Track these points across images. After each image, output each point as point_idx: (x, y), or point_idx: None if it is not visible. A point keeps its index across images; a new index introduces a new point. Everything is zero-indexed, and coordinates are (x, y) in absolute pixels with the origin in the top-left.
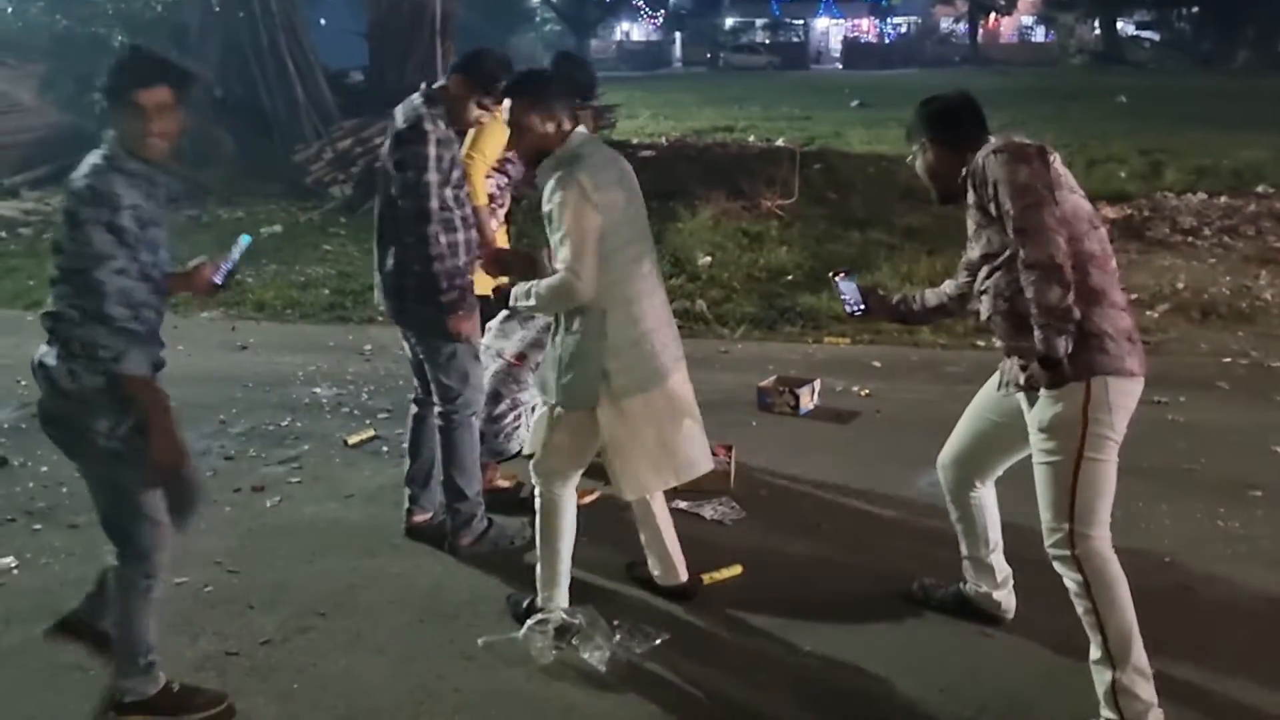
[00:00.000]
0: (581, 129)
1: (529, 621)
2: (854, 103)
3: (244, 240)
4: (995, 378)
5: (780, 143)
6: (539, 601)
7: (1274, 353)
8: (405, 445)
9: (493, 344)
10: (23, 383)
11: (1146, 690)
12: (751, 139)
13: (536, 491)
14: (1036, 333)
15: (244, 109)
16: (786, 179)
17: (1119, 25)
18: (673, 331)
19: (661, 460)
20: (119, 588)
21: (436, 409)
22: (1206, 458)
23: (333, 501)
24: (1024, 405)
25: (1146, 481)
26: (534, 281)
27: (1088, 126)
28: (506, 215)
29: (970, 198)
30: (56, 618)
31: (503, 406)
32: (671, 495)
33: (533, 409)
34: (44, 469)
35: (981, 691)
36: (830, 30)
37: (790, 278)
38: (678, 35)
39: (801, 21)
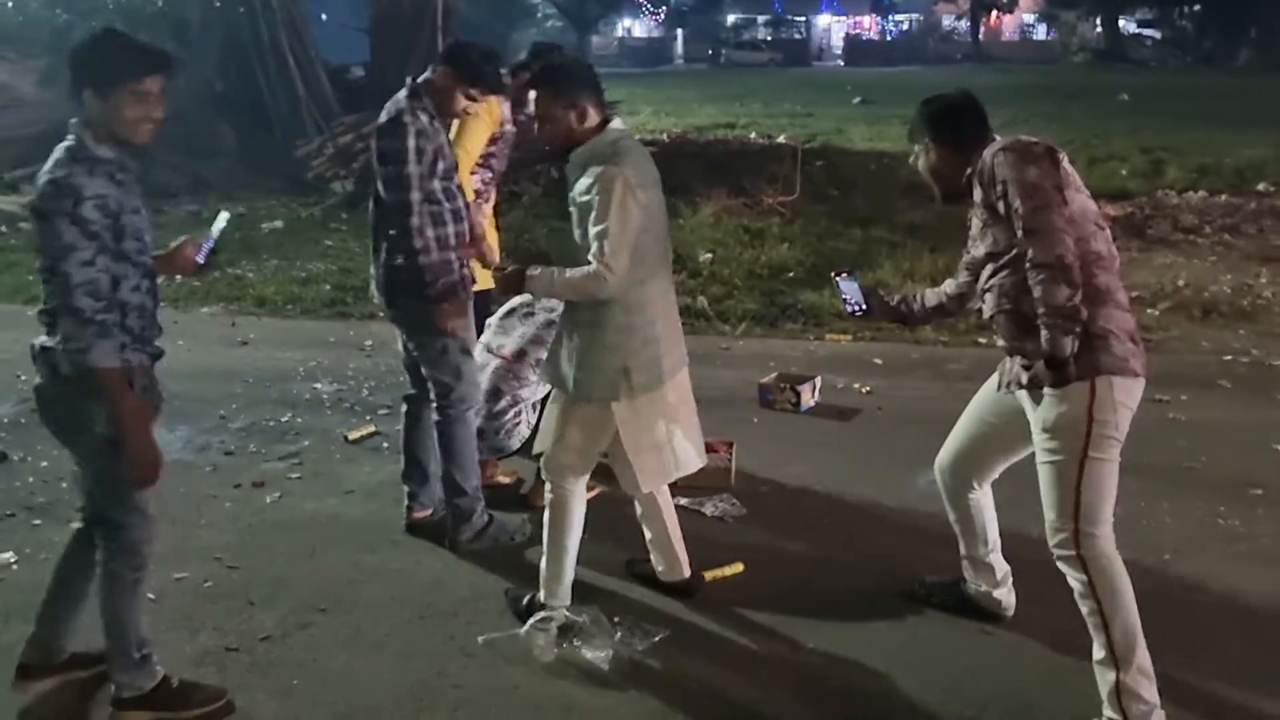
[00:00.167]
0: (618, 122)
1: (532, 619)
2: (856, 100)
3: (223, 217)
4: (994, 379)
5: (782, 140)
6: (542, 598)
7: (1275, 351)
8: (402, 443)
9: (492, 341)
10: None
11: (1150, 691)
12: (753, 136)
13: (547, 488)
14: (1043, 332)
15: (245, 104)
16: (788, 176)
17: (1121, 23)
18: (680, 331)
19: (666, 455)
20: (106, 583)
21: (433, 404)
22: (1207, 456)
23: (333, 497)
24: (1027, 405)
25: (1147, 480)
26: (554, 269)
27: (1089, 124)
28: (495, 209)
29: (977, 196)
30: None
31: (503, 403)
32: (673, 492)
33: (533, 406)
34: (44, 464)
35: (982, 690)
36: (832, 27)
37: (791, 275)
38: (679, 32)
39: (803, 18)
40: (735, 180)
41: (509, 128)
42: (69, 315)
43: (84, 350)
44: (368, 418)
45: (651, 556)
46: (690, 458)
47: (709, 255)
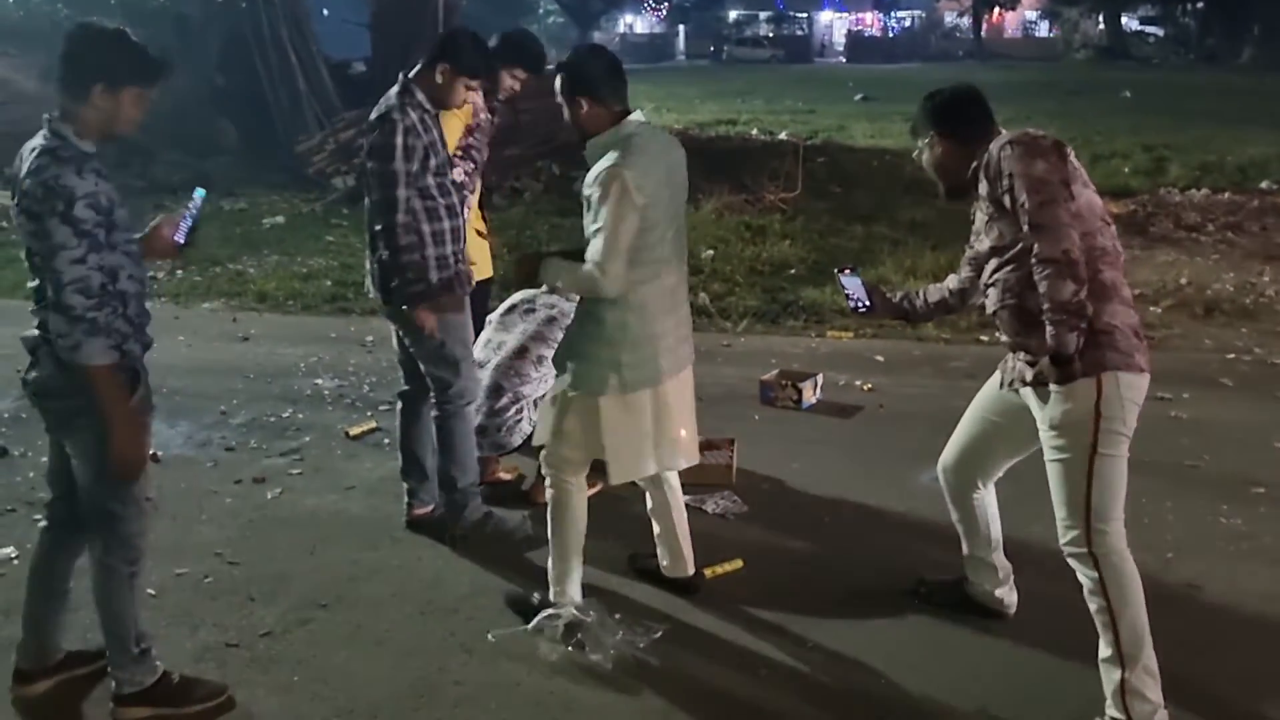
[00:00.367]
0: (637, 115)
1: (539, 616)
2: (858, 97)
3: (199, 194)
4: (996, 376)
5: (784, 136)
6: (551, 596)
7: (1277, 349)
8: (398, 441)
9: (493, 337)
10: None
11: (1154, 691)
12: (755, 132)
13: (547, 483)
14: (1048, 329)
15: (246, 100)
16: (790, 173)
17: (1124, 20)
18: (687, 330)
19: (645, 453)
20: (101, 578)
21: (431, 399)
22: (1210, 454)
23: (334, 493)
24: (1032, 402)
25: (1149, 478)
26: (565, 263)
27: (1091, 122)
28: (480, 201)
29: (982, 190)
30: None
31: (504, 400)
32: None
33: (535, 403)
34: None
35: (983, 688)
36: (834, 24)
37: (793, 271)
38: (681, 28)
39: (805, 15)
40: (737, 177)
41: (484, 116)
42: (59, 313)
43: (75, 347)
44: (369, 413)
45: (658, 551)
46: (673, 456)
47: (710, 252)
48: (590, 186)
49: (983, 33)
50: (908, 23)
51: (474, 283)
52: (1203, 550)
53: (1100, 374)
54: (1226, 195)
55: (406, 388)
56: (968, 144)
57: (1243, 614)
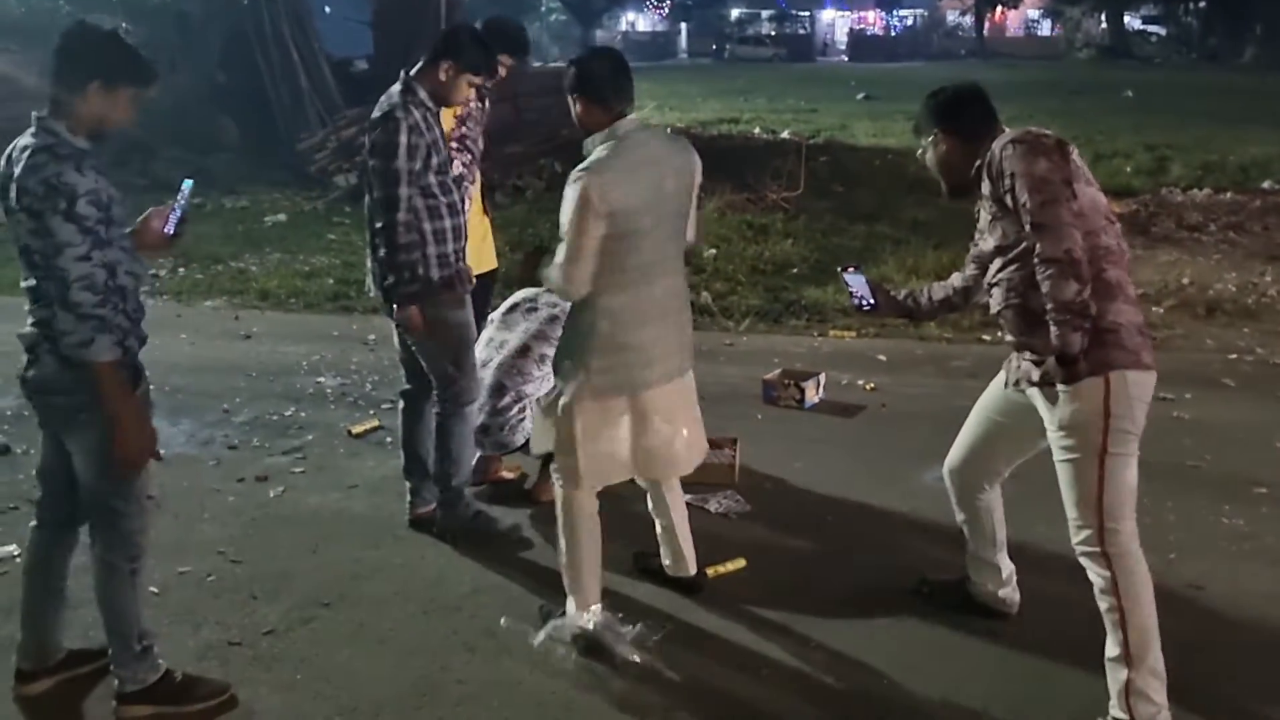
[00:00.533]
0: (631, 118)
1: (546, 628)
2: (860, 95)
3: (186, 185)
4: (1000, 376)
5: (786, 135)
6: (568, 607)
7: (1279, 350)
8: (400, 439)
9: (496, 336)
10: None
11: (1159, 693)
12: (757, 131)
13: (557, 488)
14: (1053, 329)
15: (247, 97)
16: (792, 171)
17: (1126, 19)
18: (679, 342)
19: (620, 455)
20: (103, 575)
21: (433, 395)
22: (1212, 455)
23: (336, 492)
24: (1039, 402)
25: (1151, 479)
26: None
27: (1093, 121)
28: (481, 190)
29: (985, 189)
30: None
31: (507, 399)
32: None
33: (538, 402)
34: None
35: (985, 688)
36: (836, 23)
37: (795, 270)
38: (684, 26)
39: (808, 14)
40: (739, 176)
41: (474, 104)
42: (67, 310)
43: (85, 345)
44: (371, 412)
45: (660, 550)
46: (653, 467)
47: (713, 251)
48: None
49: (985, 31)
50: (910, 21)
51: (474, 280)
52: (1205, 551)
53: (1107, 373)
54: (1229, 195)
55: (409, 386)
56: (971, 142)
57: (1245, 614)
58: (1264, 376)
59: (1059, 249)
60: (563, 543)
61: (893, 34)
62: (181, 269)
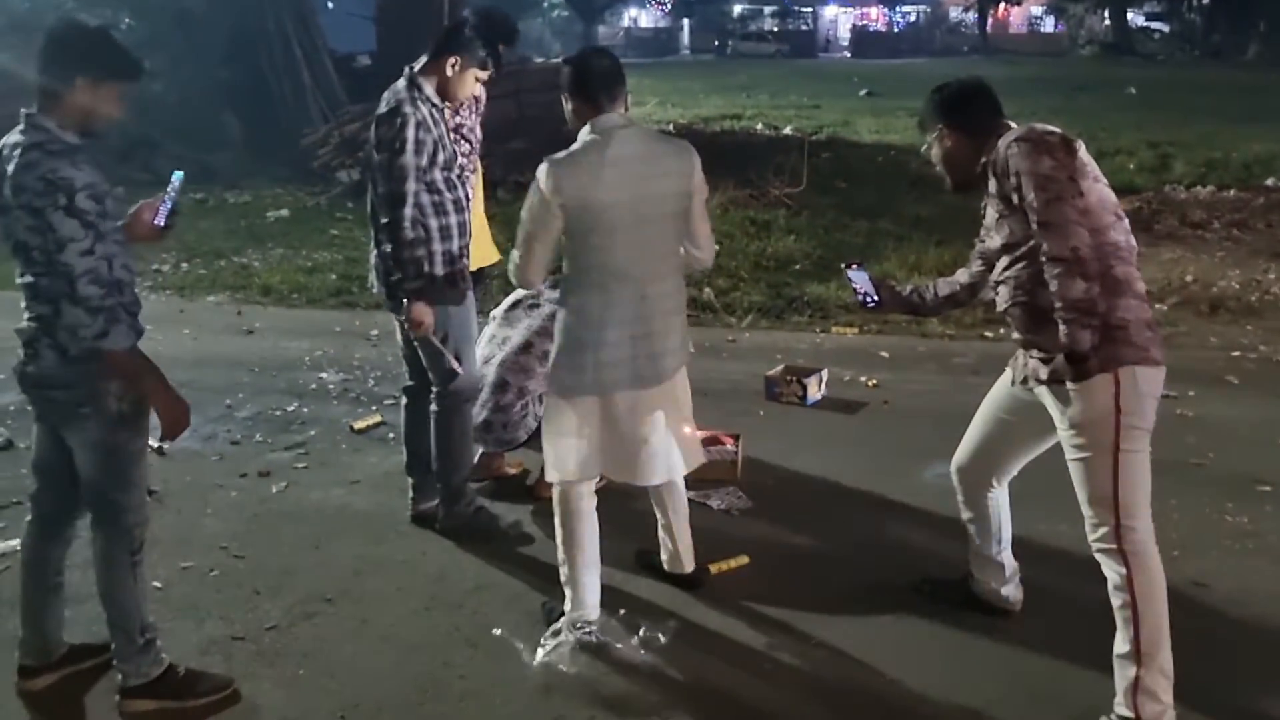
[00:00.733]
0: (611, 116)
1: (544, 638)
2: (862, 92)
3: (177, 177)
4: (1007, 374)
5: (788, 131)
6: (566, 606)
7: None
8: (403, 436)
9: (498, 333)
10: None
11: (1166, 693)
12: (759, 127)
13: (555, 490)
14: (1061, 327)
15: (250, 93)
16: (795, 168)
17: (1129, 16)
18: (659, 348)
19: (584, 452)
20: (104, 569)
21: (432, 392)
22: (1215, 452)
23: (339, 487)
24: (1048, 400)
25: (1155, 476)
26: None
27: (1096, 118)
28: (484, 178)
29: (991, 186)
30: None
31: (509, 395)
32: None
33: (540, 398)
34: None
35: (988, 686)
36: (839, 18)
37: (798, 267)
38: (686, 22)
39: (810, 9)
40: (742, 172)
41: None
42: (77, 305)
43: (100, 336)
44: (374, 408)
45: (660, 544)
46: (623, 470)
47: (715, 247)
48: None
49: (988, 28)
50: (913, 17)
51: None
52: (1208, 548)
53: (1116, 369)
54: (1232, 192)
55: (411, 383)
56: (976, 137)
57: (1248, 612)
58: (1267, 374)
59: (1065, 247)
60: (561, 544)
61: (895, 30)
62: (184, 264)
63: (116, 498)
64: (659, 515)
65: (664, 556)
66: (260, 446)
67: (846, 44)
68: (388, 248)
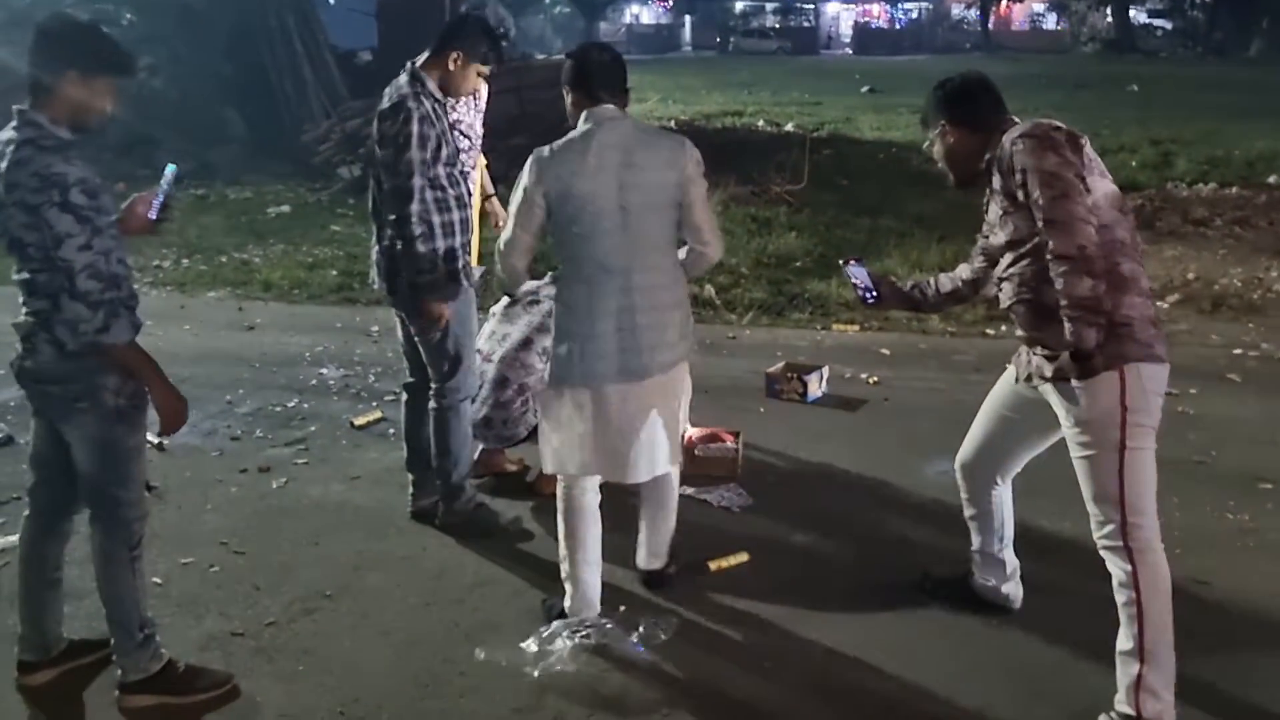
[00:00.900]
0: (605, 108)
1: (549, 629)
2: (864, 89)
3: (170, 170)
4: (1010, 371)
5: (790, 128)
6: (565, 602)
7: None
8: (403, 432)
9: (497, 329)
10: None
11: (1168, 691)
12: (761, 124)
13: (559, 483)
14: (1067, 325)
15: (252, 89)
16: (796, 165)
17: (1131, 13)
18: (654, 341)
19: (576, 447)
20: (102, 564)
21: (430, 389)
22: (1216, 450)
23: (339, 483)
24: (1052, 398)
25: (1157, 473)
26: None
27: (1098, 115)
28: (487, 168)
29: (996, 183)
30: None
31: (510, 392)
32: (679, 481)
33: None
34: None
35: (989, 682)
36: (841, 15)
37: (799, 264)
38: (687, 19)
39: (812, 6)
40: (743, 168)
41: None
42: (77, 300)
43: (102, 330)
44: (374, 404)
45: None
46: (606, 467)
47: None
48: None
49: (990, 25)
50: (915, 15)
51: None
52: (1209, 546)
53: (1122, 366)
54: (1234, 190)
55: (411, 379)
56: (980, 131)
57: (1249, 609)
58: (1269, 372)
59: (1072, 245)
60: (562, 539)
61: (897, 27)
62: (185, 260)
63: (114, 493)
64: (641, 509)
65: (638, 550)
66: (260, 442)
67: (848, 41)
68: (398, 245)
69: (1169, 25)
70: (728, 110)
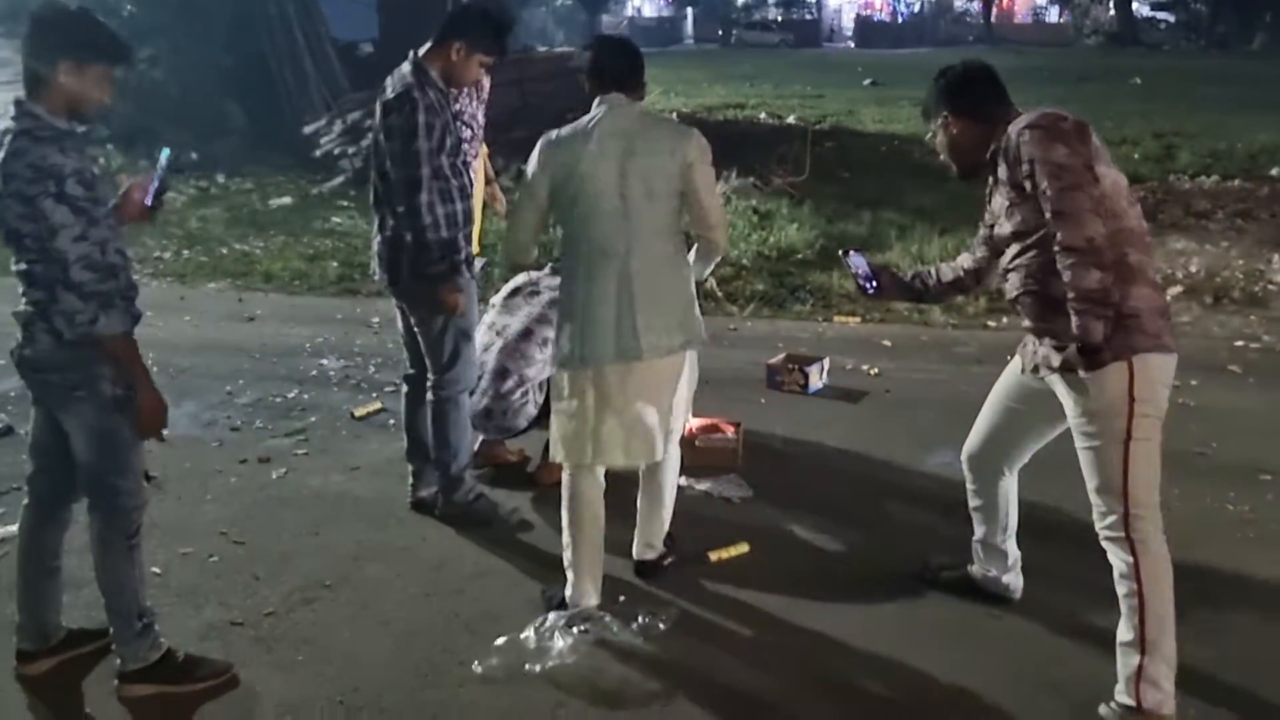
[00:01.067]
0: (615, 95)
1: (548, 620)
2: (866, 81)
3: (164, 155)
4: (1015, 362)
5: (792, 120)
6: (566, 592)
7: None
8: (403, 423)
9: (497, 320)
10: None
11: (1168, 681)
12: (763, 116)
13: (565, 472)
14: (1074, 317)
15: (253, 81)
16: (798, 157)
17: (1134, 6)
18: (655, 324)
19: (584, 433)
20: (101, 553)
21: (428, 382)
22: (1217, 441)
23: (339, 474)
24: (1059, 388)
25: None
26: None
27: (1101, 107)
28: (488, 156)
29: (1001, 173)
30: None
31: (510, 383)
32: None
33: (540, 385)
34: None
35: (989, 673)
36: (843, 8)
37: (800, 256)
38: (690, 11)
39: None
40: (745, 161)
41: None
42: (71, 291)
43: (93, 321)
44: (374, 395)
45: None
46: (605, 452)
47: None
48: None
49: (992, 18)
50: (917, 7)
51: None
52: (1210, 537)
53: (1130, 357)
54: (1237, 182)
55: (412, 370)
56: (983, 120)
57: (1249, 601)
58: (1271, 364)
59: (1080, 237)
60: (564, 522)
61: (900, 20)
62: (185, 251)
63: (113, 481)
64: (639, 498)
65: (635, 540)
66: (260, 433)
67: (851, 34)
68: (408, 236)
69: (1172, 18)
70: (730, 103)
